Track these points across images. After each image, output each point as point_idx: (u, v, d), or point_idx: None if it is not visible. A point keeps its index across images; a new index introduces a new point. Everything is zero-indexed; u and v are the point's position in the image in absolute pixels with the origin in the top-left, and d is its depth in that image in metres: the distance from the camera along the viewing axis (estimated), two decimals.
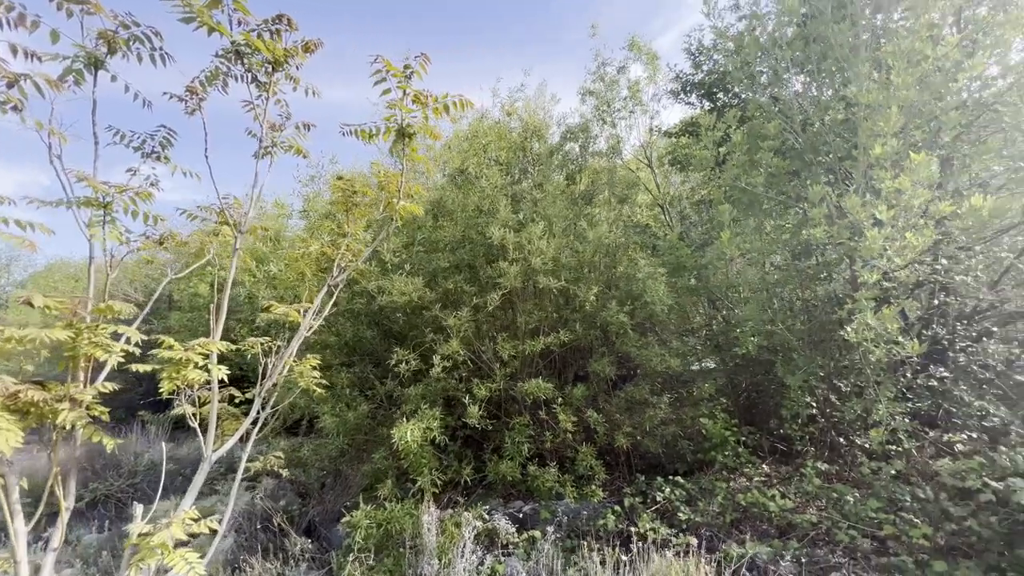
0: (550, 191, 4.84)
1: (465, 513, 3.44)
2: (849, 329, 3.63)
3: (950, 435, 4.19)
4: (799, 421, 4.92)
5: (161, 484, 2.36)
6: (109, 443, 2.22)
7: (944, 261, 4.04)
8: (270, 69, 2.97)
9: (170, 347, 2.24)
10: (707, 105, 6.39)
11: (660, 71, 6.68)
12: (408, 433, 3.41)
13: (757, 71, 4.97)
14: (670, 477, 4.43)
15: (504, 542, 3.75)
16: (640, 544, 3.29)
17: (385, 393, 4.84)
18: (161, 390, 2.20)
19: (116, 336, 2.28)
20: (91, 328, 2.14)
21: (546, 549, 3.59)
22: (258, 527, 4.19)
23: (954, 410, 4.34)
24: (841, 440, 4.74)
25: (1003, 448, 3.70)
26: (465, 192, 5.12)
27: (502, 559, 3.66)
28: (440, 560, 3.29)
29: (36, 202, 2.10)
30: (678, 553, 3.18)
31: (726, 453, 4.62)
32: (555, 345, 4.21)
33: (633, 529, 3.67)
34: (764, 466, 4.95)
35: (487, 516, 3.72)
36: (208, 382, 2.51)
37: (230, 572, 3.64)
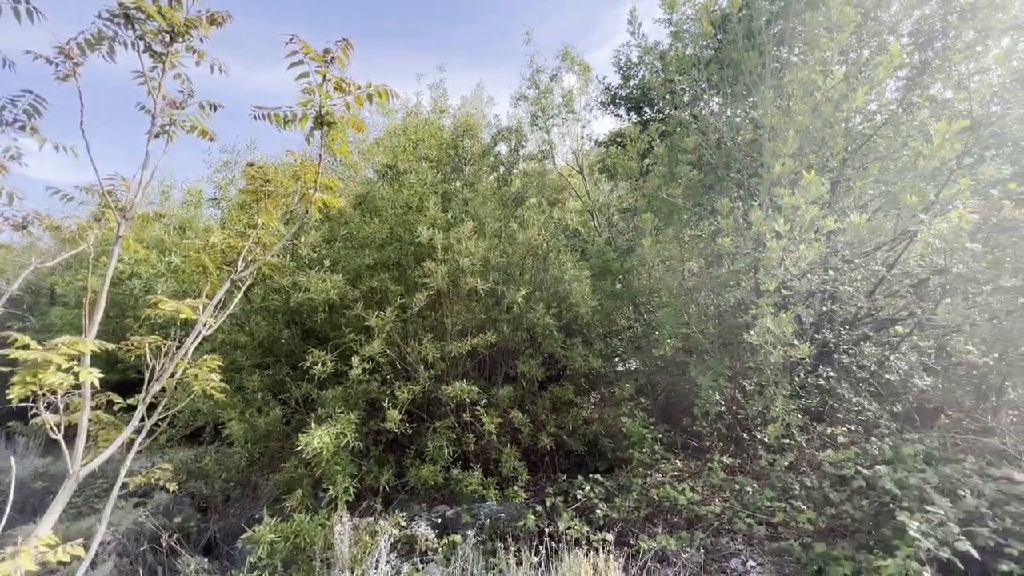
0: (481, 191, 4.82)
1: (381, 521, 3.30)
2: (752, 332, 3.93)
3: (833, 428, 4.68)
4: (709, 418, 5.26)
5: (10, 502, 2.03)
6: None
7: (832, 272, 4.50)
8: (168, 39, 2.69)
9: (25, 346, 1.93)
10: (634, 118, 6.71)
11: (592, 82, 6.91)
12: (316, 440, 3.20)
13: (679, 88, 5.28)
14: (591, 475, 4.55)
15: (424, 548, 3.65)
16: (553, 544, 3.34)
17: (301, 396, 4.55)
18: (10, 397, 1.89)
19: None
20: None
21: (466, 553, 3.54)
22: (145, 548, 3.75)
23: (837, 406, 4.85)
24: (745, 435, 5.13)
25: (874, 439, 4.19)
26: (394, 188, 4.96)
27: (420, 566, 3.56)
28: (352, 572, 3.13)
29: None
30: (593, 549, 3.26)
31: (643, 450, 4.83)
32: (482, 346, 4.18)
33: (548, 528, 3.72)
34: (678, 462, 5.24)
35: (405, 523, 3.60)
36: (78, 386, 2.20)
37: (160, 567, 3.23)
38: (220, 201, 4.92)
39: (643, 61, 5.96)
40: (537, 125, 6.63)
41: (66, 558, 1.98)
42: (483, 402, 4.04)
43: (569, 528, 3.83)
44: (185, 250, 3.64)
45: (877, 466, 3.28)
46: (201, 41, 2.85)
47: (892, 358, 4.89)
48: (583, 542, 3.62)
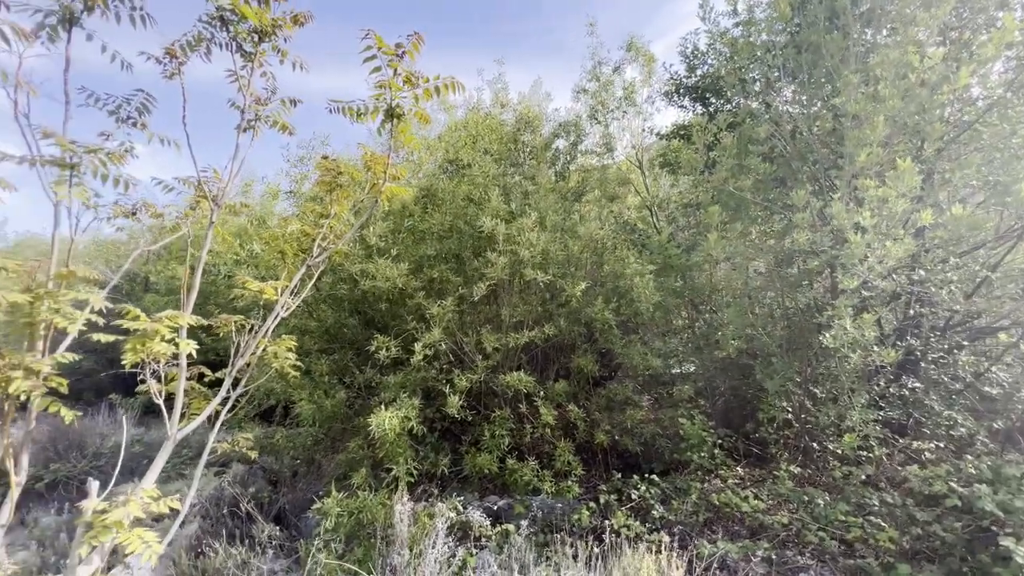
0: (542, 185, 4.81)
1: (439, 504, 3.39)
2: (828, 335, 3.68)
3: (919, 443, 4.28)
4: (775, 425, 4.98)
5: (120, 461, 2.26)
6: (68, 415, 2.12)
7: (922, 272, 4.12)
8: (256, 39, 2.89)
9: (136, 317, 2.15)
10: (699, 109, 6.45)
11: (655, 73, 6.72)
12: (386, 421, 3.34)
13: (749, 77, 5.02)
14: (647, 476, 4.44)
15: (477, 535, 3.71)
16: (613, 538, 3.29)
17: (364, 382, 4.76)
18: (124, 362, 2.10)
19: (80, 304, 2.18)
20: (52, 294, 2.04)
21: (519, 543, 3.56)
22: (225, 512, 4.07)
23: (924, 419, 4.43)
24: (814, 445, 4.81)
25: (969, 457, 3.79)
26: (455, 182, 5.07)
27: (474, 552, 3.62)
28: (411, 551, 3.23)
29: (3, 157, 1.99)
30: (649, 549, 3.18)
31: (702, 454, 4.66)
32: (539, 339, 4.18)
33: (608, 523, 3.66)
34: (738, 468, 5.00)
35: (461, 508, 3.68)
36: (176, 356, 2.42)
37: (193, 557, 3.53)
38: (295, 194, 5.25)
39: (712, 48, 5.73)
40: (596, 119, 6.53)
41: (166, 510, 2.18)
42: (541, 394, 4.04)
43: (624, 526, 3.76)
44: (266, 238, 3.91)
45: (976, 485, 2.97)
46: (285, 41, 3.03)
47: (993, 369, 4.40)
48: (637, 541, 3.54)
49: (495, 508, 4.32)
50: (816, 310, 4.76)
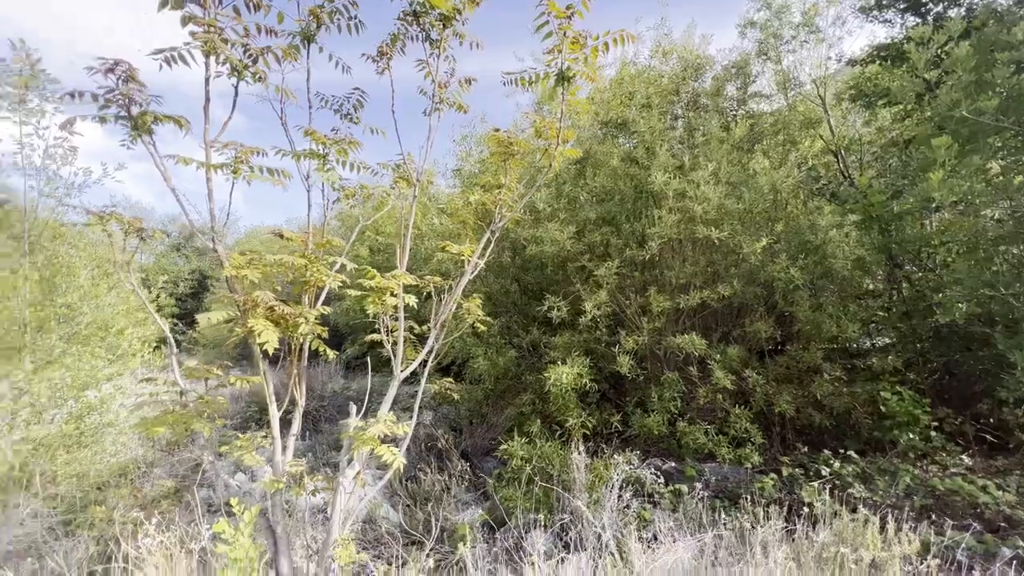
0: (712, 135, 4.45)
1: (616, 456, 3.52)
2: None
3: None
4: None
5: (368, 396, 2.82)
6: (331, 353, 2.71)
7: None
8: (441, 26, 3.17)
9: (372, 277, 2.62)
10: (911, 21, 5.21)
11: None
12: (564, 375, 3.55)
13: None
14: (841, 453, 3.98)
15: (649, 492, 3.76)
16: (809, 510, 3.05)
17: (529, 343, 5.09)
18: (368, 311, 2.59)
19: (332, 266, 2.74)
20: (316, 259, 2.60)
21: (694, 504, 3.53)
22: (423, 448, 4.81)
23: None
24: None
25: None
26: (610, 143, 4.98)
27: (647, 506, 3.70)
28: (590, 495, 3.43)
29: (280, 152, 2.57)
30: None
31: (911, 435, 3.99)
32: (713, 300, 3.96)
33: (793, 496, 3.41)
34: (963, 457, 4.16)
35: (634, 464, 3.76)
36: (396, 308, 2.90)
37: (406, 480, 4.27)
38: (461, 171, 5.74)
39: None
40: (767, 56, 5.73)
41: (401, 432, 2.67)
42: (716, 357, 3.86)
43: (814, 501, 3.45)
44: (450, 210, 4.39)
45: None
46: (463, 24, 3.27)
47: None
48: (834, 520, 3.22)
49: (662, 470, 4.32)
50: None
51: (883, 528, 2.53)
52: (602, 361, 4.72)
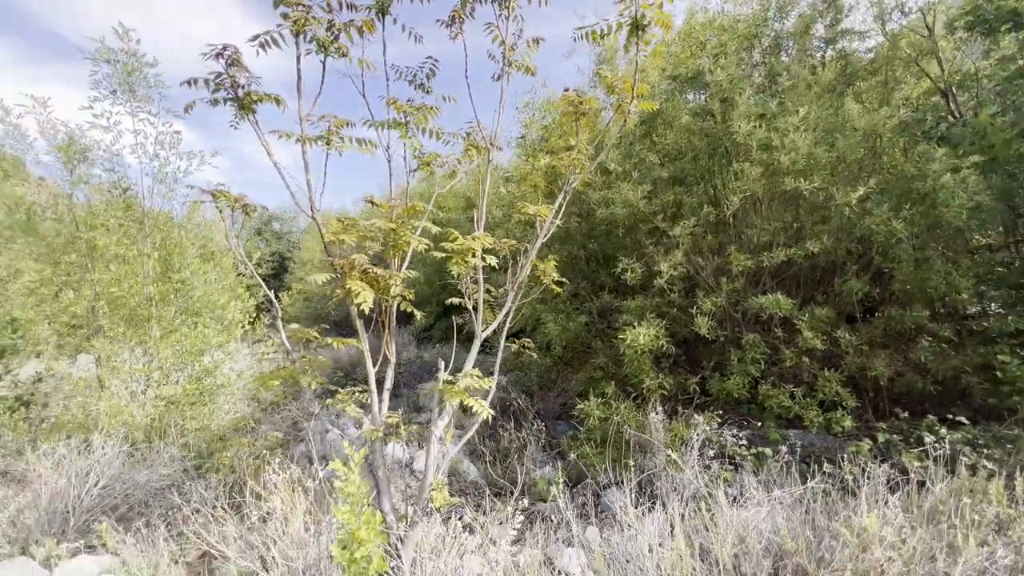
0: (801, 77, 4.08)
1: (696, 416, 3.49)
2: None
3: None
4: None
5: (451, 358, 2.97)
6: (419, 313, 2.88)
7: None
8: None
9: (455, 239, 2.72)
10: None
11: None
12: (640, 336, 3.53)
13: None
14: (949, 419, 3.67)
15: (730, 454, 3.70)
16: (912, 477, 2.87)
17: (599, 308, 5.07)
18: (452, 271, 2.71)
19: (415, 230, 2.88)
20: (402, 223, 2.74)
21: (779, 467, 3.42)
22: (497, 408, 5.01)
23: None
24: None
25: None
26: (682, 98, 4.73)
27: (729, 468, 3.64)
28: (668, 456, 3.44)
29: (367, 122, 2.71)
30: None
31: None
32: (799, 257, 3.72)
33: (904, 460, 3.20)
34: None
35: (713, 425, 3.70)
36: (476, 269, 3.01)
37: (487, 435, 4.50)
38: (524, 139, 5.72)
39: None
40: None
41: (486, 387, 2.81)
42: (806, 317, 3.64)
43: (919, 467, 3.22)
44: (521, 174, 4.43)
45: None
46: None
47: None
48: (944, 478, 2.99)
49: (741, 435, 4.21)
50: None
51: (1009, 486, 2.33)
52: (675, 325, 4.61)
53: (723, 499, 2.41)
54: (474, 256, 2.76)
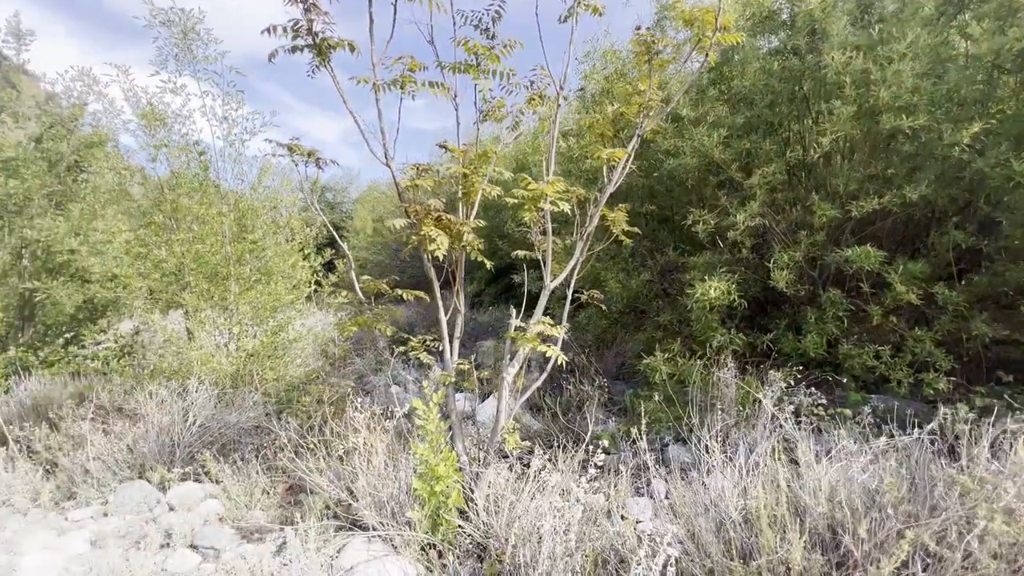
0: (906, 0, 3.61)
1: (771, 372, 3.35)
2: None
3: None
4: None
5: (523, 304, 2.98)
6: (488, 263, 2.89)
7: None
8: None
9: (527, 184, 2.68)
10: None
11: None
12: (711, 290, 3.39)
13: None
14: None
15: (807, 412, 3.54)
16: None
17: (662, 265, 4.91)
18: (523, 219, 2.68)
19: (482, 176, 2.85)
20: (474, 169, 2.72)
21: (861, 430, 3.25)
22: (556, 368, 5.03)
23: None
24: None
25: None
26: (756, 43, 4.34)
27: (805, 428, 3.50)
28: (738, 413, 3.34)
29: (440, 64, 2.67)
30: None
31: None
32: (894, 205, 3.39)
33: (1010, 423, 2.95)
34: None
35: (788, 382, 3.54)
36: (544, 218, 2.96)
37: (546, 392, 4.56)
38: (585, 90, 5.49)
39: None
40: None
41: (555, 334, 2.80)
42: (899, 271, 3.35)
43: None
44: (587, 123, 4.26)
45: None
46: None
47: None
48: None
49: (819, 393, 4.02)
50: None
51: None
52: (743, 284, 4.40)
53: (809, 452, 2.31)
54: (545, 202, 2.70)
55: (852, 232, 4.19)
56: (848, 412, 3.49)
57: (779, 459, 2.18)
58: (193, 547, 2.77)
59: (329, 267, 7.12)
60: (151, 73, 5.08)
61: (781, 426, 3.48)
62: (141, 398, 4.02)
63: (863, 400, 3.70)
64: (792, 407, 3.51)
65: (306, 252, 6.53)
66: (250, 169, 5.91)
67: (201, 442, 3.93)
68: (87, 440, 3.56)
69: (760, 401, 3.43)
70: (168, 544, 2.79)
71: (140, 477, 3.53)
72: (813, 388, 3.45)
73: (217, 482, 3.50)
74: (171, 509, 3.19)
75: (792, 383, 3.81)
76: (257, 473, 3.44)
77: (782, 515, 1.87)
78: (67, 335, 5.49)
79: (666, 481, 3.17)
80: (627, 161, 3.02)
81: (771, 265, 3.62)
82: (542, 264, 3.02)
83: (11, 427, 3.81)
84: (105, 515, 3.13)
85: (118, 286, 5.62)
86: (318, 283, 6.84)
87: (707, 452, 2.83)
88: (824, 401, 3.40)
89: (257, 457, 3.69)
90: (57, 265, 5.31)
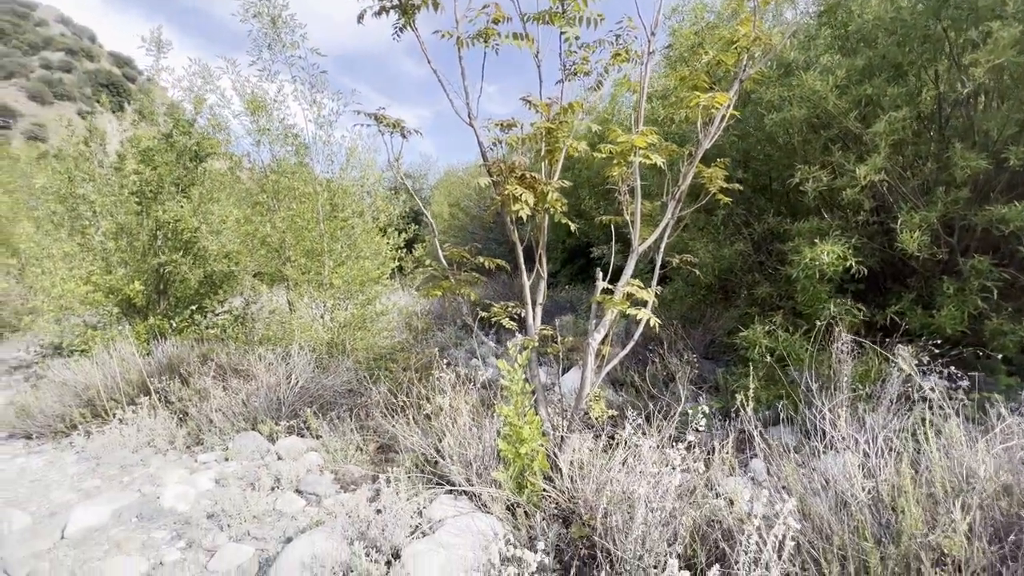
0: None
1: (900, 347, 2.93)
2: None
3: None
4: None
5: (608, 277, 2.83)
6: (573, 224, 2.78)
7: None
8: None
9: (616, 137, 2.51)
10: None
11: None
12: (824, 254, 3.02)
13: None
14: None
15: (947, 396, 3.06)
16: None
17: (759, 234, 4.48)
18: (610, 176, 2.53)
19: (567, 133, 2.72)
20: (560, 124, 2.61)
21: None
22: (642, 340, 4.82)
23: None
24: None
25: None
26: None
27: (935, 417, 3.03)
28: (856, 389, 2.96)
29: (524, 16, 2.57)
30: None
31: None
32: None
33: None
34: None
35: (921, 361, 3.08)
36: (633, 175, 2.78)
37: (629, 366, 4.39)
38: (673, 46, 5.09)
39: None
40: None
41: (645, 297, 2.64)
42: None
43: None
44: (679, 75, 3.95)
45: None
46: None
47: None
48: None
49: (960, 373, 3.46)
50: None
51: None
52: (858, 252, 3.87)
53: (959, 430, 1.98)
54: (636, 155, 2.52)
55: (1006, 188, 3.51)
56: (998, 397, 2.96)
57: (926, 436, 1.88)
58: (299, 492, 3.01)
59: (409, 247, 7.41)
60: (250, 62, 5.50)
61: (916, 403, 3.05)
62: (252, 360, 4.44)
63: (1016, 383, 3.12)
64: (929, 387, 3.06)
65: (388, 231, 6.81)
66: (339, 150, 6.24)
67: (302, 401, 4.26)
68: (210, 394, 4.00)
69: (884, 380, 3.02)
70: (277, 487, 3.05)
71: (253, 428, 3.90)
72: (953, 368, 2.96)
73: (317, 437, 3.78)
74: (279, 458, 3.49)
75: (925, 362, 3.31)
76: (352, 431, 3.66)
77: (934, 494, 1.61)
78: (192, 307, 6.21)
79: (768, 461, 2.90)
80: (728, 108, 2.73)
81: (898, 227, 3.13)
82: (630, 225, 2.85)
83: (152, 380, 4.39)
84: (226, 459, 3.50)
85: (232, 262, 6.24)
86: (400, 262, 7.11)
87: (820, 431, 2.54)
88: (965, 383, 2.90)
89: (351, 416, 3.93)
90: (183, 244, 5.99)
